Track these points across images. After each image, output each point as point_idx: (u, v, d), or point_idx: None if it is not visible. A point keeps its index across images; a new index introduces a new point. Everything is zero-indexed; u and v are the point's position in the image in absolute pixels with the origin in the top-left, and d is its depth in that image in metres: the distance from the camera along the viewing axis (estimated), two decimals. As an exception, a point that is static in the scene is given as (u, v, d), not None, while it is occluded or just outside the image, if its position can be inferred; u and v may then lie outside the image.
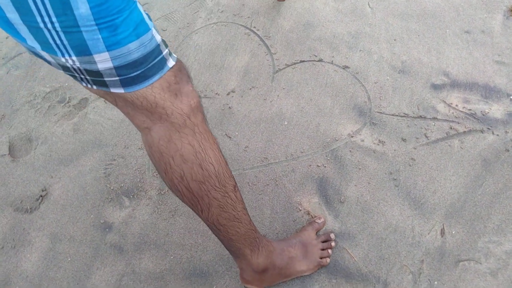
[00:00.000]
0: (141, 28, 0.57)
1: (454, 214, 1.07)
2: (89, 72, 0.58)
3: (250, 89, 1.39)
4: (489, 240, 1.02)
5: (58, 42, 0.52)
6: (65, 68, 0.59)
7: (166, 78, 0.64)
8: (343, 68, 1.40)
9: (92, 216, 1.16)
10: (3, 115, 1.43)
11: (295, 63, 1.44)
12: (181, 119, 0.66)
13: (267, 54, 1.48)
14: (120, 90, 0.61)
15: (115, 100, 0.65)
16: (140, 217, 1.14)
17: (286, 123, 1.29)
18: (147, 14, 0.61)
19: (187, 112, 0.67)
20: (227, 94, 1.38)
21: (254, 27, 1.58)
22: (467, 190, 1.10)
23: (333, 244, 1.03)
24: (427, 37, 1.47)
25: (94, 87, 0.62)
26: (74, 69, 0.58)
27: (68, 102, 1.44)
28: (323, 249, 1.01)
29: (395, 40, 1.47)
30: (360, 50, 1.45)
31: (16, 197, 1.21)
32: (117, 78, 0.59)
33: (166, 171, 0.70)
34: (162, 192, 1.18)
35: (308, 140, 1.25)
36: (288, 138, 1.26)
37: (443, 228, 1.05)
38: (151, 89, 0.62)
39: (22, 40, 0.55)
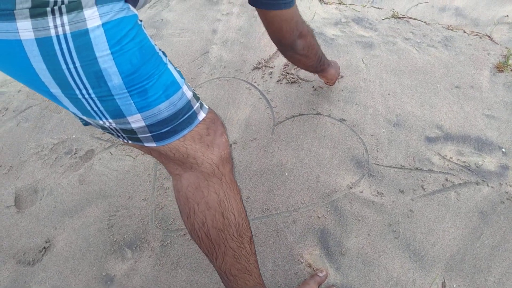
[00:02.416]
0: (171, 89, 0.63)
1: (454, 267, 1.08)
2: (124, 130, 0.64)
3: (252, 140, 1.44)
4: (490, 294, 1.02)
5: (95, 108, 0.60)
6: (103, 128, 0.66)
7: (198, 130, 0.69)
8: (340, 121, 1.47)
9: (94, 268, 1.16)
10: (11, 166, 1.47)
11: (294, 116, 1.51)
12: (210, 169, 0.71)
13: (267, 107, 1.55)
14: (153, 144, 0.67)
15: (150, 152, 0.71)
16: (142, 270, 1.15)
17: (286, 174, 1.33)
18: (179, 72, 0.68)
19: (217, 162, 0.72)
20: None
21: (255, 82, 1.67)
22: (466, 243, 1.12)
23: (335, 298, 1.03)
24: (419, 91, 1.54)
25: (130, 142, 0.68)
26: (111, 129, 0.65)
27: (74, 154, 1.48)
28: (325, 304, 1.01)
29: (389, 94, 1.54)
30: (356, 104, 1.52)
31: (20, 249, 1.22)
32: (149, 134, 0.65)
33: (189, 216, 0.73)
34: (165, 244, 1.19)
35: (308, 191, 1.28)
36: (289, 189, 1.29)
37: (444, 281, 1.06)
38: (183, 142, 0.68)
39: (64, 107, 0.62)
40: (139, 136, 0.65)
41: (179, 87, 0.65)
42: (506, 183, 1.23)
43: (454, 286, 1.04)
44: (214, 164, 0.72)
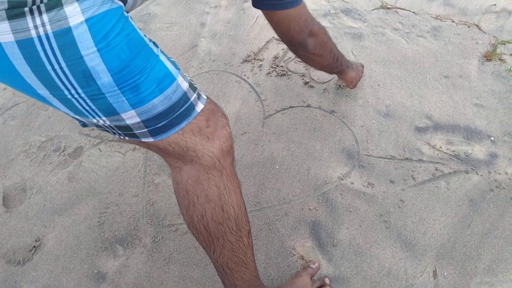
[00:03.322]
0: (164, 82, 0.61)
1: (445, 255, 1.09)
2: (120, 127, 0.63)
3: (242, 134, 1.44)
4: (481, 281, 1.03)
5: (87, 107, 0.58)
6: (98, 126, 0.64)
7: (197, 122, 0.68)
8: (330, 113, 1.46)
9: (85, 266, 1.15)
10: (-2, 165, 1.44)
11: (284, 109, 1.50)
12: (211, 161, 0.70)
13: (257, 100, 1.55)
14: (150, 139, 0.66)
15: (149, 147, 0.69)
16: (134, 266, 1.14)
17: (277, 167, 1.33)
18: (172, 62, 0.65)
19: (218, 155, 0.71)
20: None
21: (245, 75, 1.66)
22: (456, 231, 1.13)
23: (327, 289, 1.03)
24: (409, 82, 1.55)
25: (127, 138, 0.67)
26: (106, 126, 0.63)
27: (63, 151, 1.46)
28: (318, 295, 1.02)
29: (378, 85, 1.54)
30: (346, 95, 1.52)
31: (9, 248, 1.21)
32: (146, 129, 0.64)
33: (188, 208, 0.72)
34: (157, 240, 1.19)
35: (299, 183, 1.28)
36: (280, 182, 1.29)
37: (435, 269, 1.07)
38: (182, 135, 0.67)
39: (56, 108, 0.60)
40: (135, 132, 0.64)
41: (173, 79, 0.63)
42: (495, 171, 1.24)
43: (445, 274, 1.06)
44: (215, 156, 0.70)
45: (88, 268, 1.15)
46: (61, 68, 0.52)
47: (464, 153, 1.29)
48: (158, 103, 0.61)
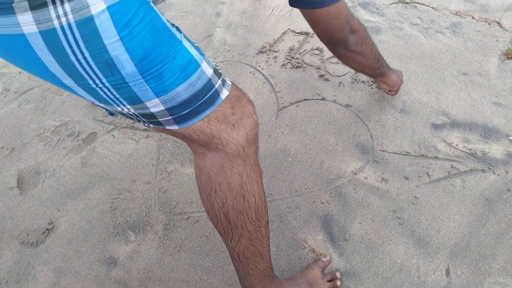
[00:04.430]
0: (188, 69, 0.60)
1: (459, 253, 1.08)
2: (144, 115, 0.63)
3: (256, 125, 1.43)
4: (495, 281, 1.02)
5: (111, 96, 0.58)
6: (123, 114, 0.64)
7: (222, 110, 0.66)
8: (346, 107, 1.45)
9: (97, 250, 1.16)
10: (13, 148, 1.46)
11: (298, 101, 1.49)
12: (236, 150, 0.69)
13: (272, 92, 1.53)
14: (175, 127, 0.65)
15: (174, 134, 0.69)
16: (146, 252, 1.15)
17: (290, 159, 1.32)
18: (196, 47, 0.64)
19: (242, 144, 0.70)
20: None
21: (259, 66, 1.64)
22: (471, 230, 1.12)
23: (338, 283, 1.03)
24: (426, 78, 1.52)
25: (151, 125, 0.67)
26: (130, 114, 0.63)
27: (77, 136, 1.47)
28: (328, 289, 1.01)
29: (395, 80, 1.52)
30: (361, 90, 1.50)
31: (23, 230, 1.22)
32: (170, 117, 0.63)
33: (209, 195, 0.72)
34: (168, 227, 1.19)
35: (312, 176, 1.27)
36: (293, 174, 1.28)
37: (448, 268, 1.05)
38: (207, 122, 0.66)
39: (80, 96, 0.60)
40: (159, 119, 0.64)
41: (197, 66, 0.61)
42: (512, 171, 1.22)
43: (458, 272, 1.04)
44: (239, 145, 0.69)
45: (100, 253, 1.16)
46: (84, 58, 0.51)
47: (481, 151, 1.27)
48: (182, 91, 0.60)
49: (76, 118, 1.53)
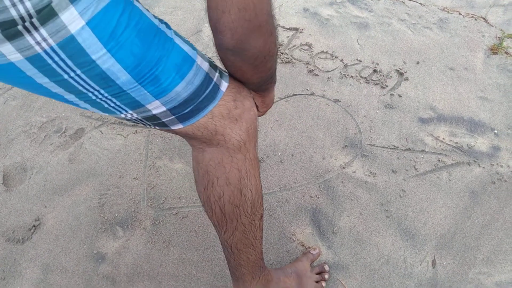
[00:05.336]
0: (184, 67, 0.59)
1: (445, 245, 1.09)
2: (147, 118, 0.62)
3: (245, 121, 1.43)
4: (479, 271, 1.04)
5: (113, 105, 0.58)
6: (127, 120, 0.64)
7: (225, 104, 0.65)
8: (334, 102, 1.46)
9: (85, 246, 1.15)
10: (-2, 144, 1.43)
11: (287, 96, 1.49)
12: (237, 145, 0.69)
13: (261, 87, 1.53)
14: (179, 126, 0.64)
15: (176, 132, 0.68)
16: (134, 248, 1.14)
17: (279, 154, 1.32)
18: (187, 42, 0.62)
19: (244, 138, 0.69)
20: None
21: (249, 62, 1.64)
22: (457, 222, 1.13)
23: (326, 276, 1.03)
24: (414, 73, 1.54)
25: (157, 127, 0.66)
26: (134, 119, 0.62)
27: (64, 132, 1.45)
28: (317, 281, 1.02)
29: (383, 75, 1.53)
30: (350, 85, 1.51)
31: (8, 227, 1.20)
32: (173, 117, 0.62)
33: (206, 188, 0.71)
34: (157, 222, 1.18)
35: (301, 171, 1.28)
36: (282, 169, 1.29)
37: (434, 259, 1.07)
38: (212, 118, 0.64)
39: (85, 109, 0.60)
40: (163, 120, 0.63)
41: (192, 62, 0.60)
42: (497, 164, 1.24)
43: (444, 263, 1.06)
44: (241, 140, 0.68)
45: (88, 249, 1.15)
46: (77, 75, 0.50)
47: (467, 145, 1.29)
48: (181, 90, 0.59)
49: (63, 114, 1.52)
